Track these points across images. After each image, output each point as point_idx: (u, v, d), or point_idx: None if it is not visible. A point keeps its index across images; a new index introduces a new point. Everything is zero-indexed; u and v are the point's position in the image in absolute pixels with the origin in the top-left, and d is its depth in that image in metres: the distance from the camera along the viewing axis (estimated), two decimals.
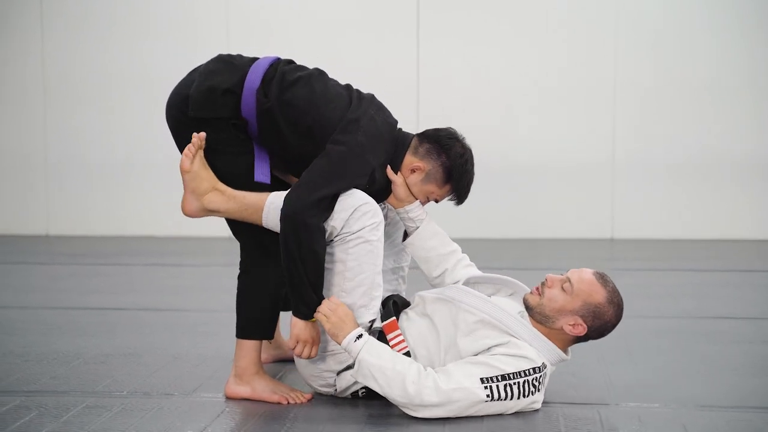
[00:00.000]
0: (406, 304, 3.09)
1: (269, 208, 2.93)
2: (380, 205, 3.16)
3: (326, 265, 2.91)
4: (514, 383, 2.76)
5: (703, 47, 6.81)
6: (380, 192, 3.09)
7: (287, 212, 2.84)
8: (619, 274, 4.85)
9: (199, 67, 3.07)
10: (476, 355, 2.83)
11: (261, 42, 6.76)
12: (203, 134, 2.94)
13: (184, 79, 3.06)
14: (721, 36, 6.79)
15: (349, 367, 2.94)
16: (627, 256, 6.19)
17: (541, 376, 2.81)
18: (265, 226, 2.96)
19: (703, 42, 6.81)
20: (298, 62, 3.13)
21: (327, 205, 2.86)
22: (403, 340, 2.89)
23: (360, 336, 2.81)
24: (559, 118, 6.93)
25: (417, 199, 3.13)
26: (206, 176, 2.96)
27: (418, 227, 3.15)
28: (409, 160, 3.08)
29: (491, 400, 2.75)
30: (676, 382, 3.18)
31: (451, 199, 3.17)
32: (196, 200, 2.98)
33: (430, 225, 3.16)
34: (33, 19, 7.11)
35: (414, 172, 3.08)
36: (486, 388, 2.74)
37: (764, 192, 6.87)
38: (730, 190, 6.88)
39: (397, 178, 3.08)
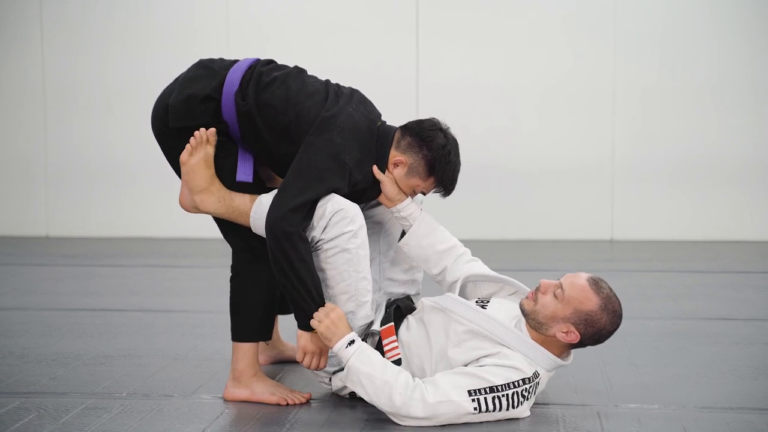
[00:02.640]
0: (411, 309, 3.07)
1: (254, 216, 2.92)
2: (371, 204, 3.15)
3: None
4: (503, 395, 2.72)
5: (703, 49, 6.81)
6: (366, 192, 3.04)
7: (268, 226, 2.81)
8: (618, 275, 4.86)
9: (180, 75, 3.05)
10: (466, 365, 2.79)
11: (260, 46, 6.76)
12: (213, 130, 2.94)
13: (166, 88, 3.04)
14: (721, 37, 6.79)
15: (342, 369, 2.95)
16: (627, 257, 6.18)
17: (531, 387, 2.77)
18: (254, 231, 2.96)
19: (703, 44, 6.81)
20: (300, 65, 3.11)
21: (307, 212, 2.82)
22: (396, 347, 2.88)
23: (352, 342, 2.79)
24: (560, 119, 6.93)
25: (406, 195, 3.07)
26: (202, 174, 2.95)
27: (412, 225, 3.10)
28: (392, 154, 3.02)
29: (479, 412, 2.72)
30: (676, 384, 3.18)
31: (437, 191, 3.10)
32: (189, 197, 3.00)
33: (425, 222, 3.10)
34: (33, 24, 7.11)
35: (397, 166, 3.02)
36: (474, 400, 2.70)
37: (764, 193, 6.87)
38: (730, 191, 6.88)
39: (384, 178, 3.02)
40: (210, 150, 2.95)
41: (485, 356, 2.78)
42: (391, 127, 3.07)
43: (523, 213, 6.99)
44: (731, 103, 6.82)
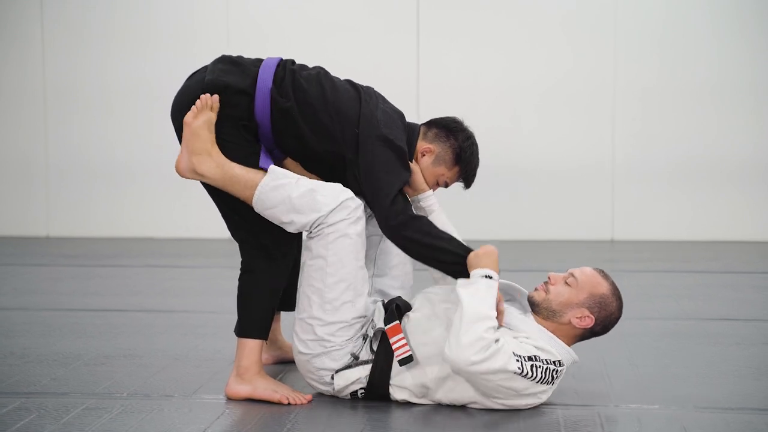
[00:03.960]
0: (408, 307, 3.08)
1: (262, 189, 2.93)
2: None
3: (307, 261, 2.95)
4: (539, 366, 2.79)
5: (703, 49, 6.81)
6: None
7: (387, 232, 2.95)
8: (619, 275, 4.85)
9: (206, 67, 3.08)
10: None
11: (260, 46, 6.73)
12: (216, 96, 2.95)
13: (191, 81, 3.06)
14: (721, 37, 6.80)
15: (348, 367, 2.96)
16: (627, 257, 6.19)
17: (560, 371, 2.85)
18: (255, 209, 2.98)
19: (703, 44, 6.81)
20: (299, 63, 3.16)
21: (402, 199, 2.97)
22: (405, 344, 2.90)
23: (489, 277, 2.84)
24: (560, 119, 6.93)
25: (429, 186, 3.20)
26: (204, 137, 2.96)
27: (429, 216, 3.18)
28: (419, 144, 3.17)
29: (521, 373, 2.76)
30: (676, 384, 3.19)
31: (458, 182, 3.25)
32: (188, 159, 2.99)
33: (441, 216, 3.22)
34: (33, 23, 7.11)
35: (424, 155, 3.17)
36: (517, 360, 2.76)
37: (764, 194, 6.87)
38: (731, 191, 6.88)
39: (413, 167, 3.14)
40: (212, 116, 2.96)
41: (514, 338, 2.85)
42: (414, 123, 3.22)
43: (523, 213, 6.99)
44: (731, 103, 6.82)
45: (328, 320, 2.94)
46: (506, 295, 3.10)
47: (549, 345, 2.86)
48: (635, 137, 6.90)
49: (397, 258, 3.27)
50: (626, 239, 6.96)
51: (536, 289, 2.97)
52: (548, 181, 6.96)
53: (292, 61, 3.12)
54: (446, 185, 3.26)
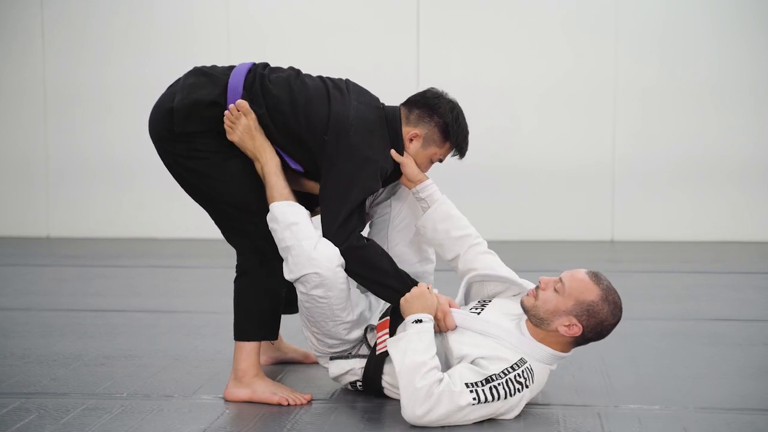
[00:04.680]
0: None
1: (272, 226, 2.91)
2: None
3: (299, 305, 2.96)
4: (499, 384, 2.71)
5: (703, 49, 6.81)
6: (391, 175, 3.07)
7: None
8: (619, 276, 4.86)
9: (178, 81, 3.03)
10: (459, 359, 2.81)
11: (260, 47, 6.77)
12: (240, 101, 2.91)
13: (164, 95, 3.02)
14: (721, 38, 6.80)
15: (342, 357, 3.00)
16: (627, 258, 6.19)
17: (523, 371, 2.76)
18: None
19: (703, 44, 6.81)
20: (295, 66, 3.11)
21: (356, 220, 2.91)
22: (386, 341, 2.90)
23: (420, 321, 2.81)
24: (560, 119, 6.93)
25: (425, 171, 3.12)
26: (248, 146, 2.94)
27: (430, 207, 3.13)
28: (405, 130, 3.06)
29: (478, 402, 2.69)
30: (677, 384, 3.18)
31: (453, 155, 3.14)
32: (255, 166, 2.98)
33: (443, 207, 3.13)
34: (34, 23, 7.12)
35: (412, 140, 3.07)
36: (472, 391, 2.69)
37: (764, 194, 6.87)
38: (731, 191, 6.88)
39: (403, 159, 3.06)
40: (247, 121, 2.91)
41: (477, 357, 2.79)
42: (393, 107, 3.10)
43: (523, 213, 6.99)
44: (731, 103, 6.82)
45: (324, 349, 3.01)
46: (516, 288, 3.07)
47: (507, 349, 2.78)
48: (635, 137, 6.91)
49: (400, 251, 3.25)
50: (627, 239, 6.96)
51: (528, 295, 2.88)
52: (548, 181, 6.97)
53: (264, 65, 3.04)
54: (440, 161, 3.15)
